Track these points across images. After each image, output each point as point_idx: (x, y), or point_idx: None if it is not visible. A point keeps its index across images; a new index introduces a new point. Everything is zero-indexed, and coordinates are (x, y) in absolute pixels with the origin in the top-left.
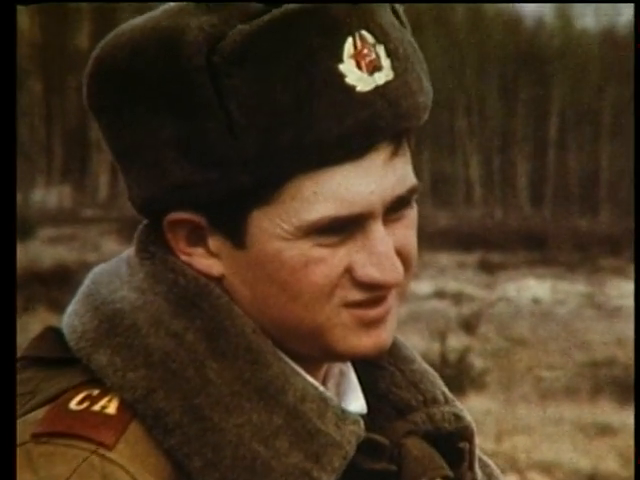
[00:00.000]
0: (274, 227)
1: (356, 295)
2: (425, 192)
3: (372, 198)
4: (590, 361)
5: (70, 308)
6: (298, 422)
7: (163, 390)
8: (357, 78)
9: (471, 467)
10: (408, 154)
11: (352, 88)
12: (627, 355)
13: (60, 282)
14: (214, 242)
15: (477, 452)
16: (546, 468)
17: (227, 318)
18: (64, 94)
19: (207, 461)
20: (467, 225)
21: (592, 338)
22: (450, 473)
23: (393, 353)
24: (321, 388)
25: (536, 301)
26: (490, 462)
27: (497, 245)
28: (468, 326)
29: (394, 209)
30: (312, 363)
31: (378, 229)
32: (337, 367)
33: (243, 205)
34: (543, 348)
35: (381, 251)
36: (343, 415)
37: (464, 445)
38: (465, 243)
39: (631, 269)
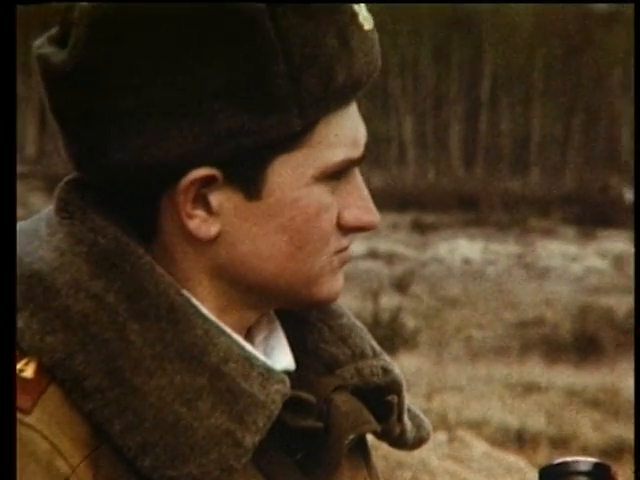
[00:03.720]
0: (297, 173)
1: (342, 242)
2: None
3: (364, 141)
4: (519, 321)
5: None
6: (222, 383)
7: (82, 353)
8: (363, 17)
9: (400, 419)
10: None
11: (362, 27)
12: (555, 315)
13: None
14: (219, 198)
15: (406, 404)
16: (475, 425)
17: (149, 278)
18: None
19: (128, 424)
20: (400, 186)
21: (521, 298)
22: (378, 427)
23: (321, 308)
24: (247, 347)
25: (467, 261)
26: (419, 412)
27: (430, 206)
28: (400, 286)
29: None
30: (240, 321)
31: (358, 173)
32: (265, 323)
33: (270, 152)
34: (473, 308)
35: (365, 194)
36: (268, 374)
37: (392, 398)
38: (398, 204)
39: (560, 230)
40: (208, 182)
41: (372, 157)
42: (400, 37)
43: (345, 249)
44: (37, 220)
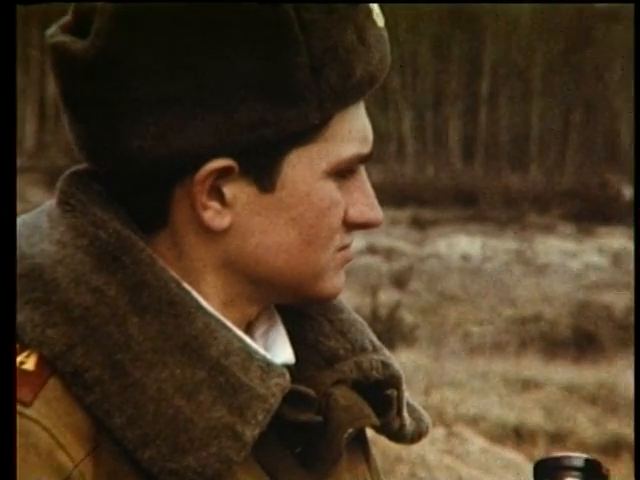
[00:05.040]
0: (310, 167)
1: (346, 239)
2: None
3: (371, 138)
4: (517, 317)
5: None
6: (222, 376)
7: (83, 346)
8: (376, 13)
9: (399, 413)
10: None
11: (376, 23)
12: (553, 311)
13: None
14: (233, 190)
15: (405, 398)
16: (473, 421)
17: (149, 272)
18: None
19: (128, 417)
20: (399, 181)
21: (520, 294)
22: (377, 422)
23: (321, 303)
24: (247, 340)
25: (466, 257)
26: (418, 407)
27: (428, 201)
28: (399, 282)
29: None
30: (243, 315)
31: (364, 171)
32: (265, 317)
33: (287, 145)
34: (472, 304)
35: (370, 191)
36: (268, 368)
37: (392, 392)
38: (397, 199)
39: (559, 226)
40: (224, 173)
41: None
42: (399, 32)
43: (348, 246)
44: (39, 213)
